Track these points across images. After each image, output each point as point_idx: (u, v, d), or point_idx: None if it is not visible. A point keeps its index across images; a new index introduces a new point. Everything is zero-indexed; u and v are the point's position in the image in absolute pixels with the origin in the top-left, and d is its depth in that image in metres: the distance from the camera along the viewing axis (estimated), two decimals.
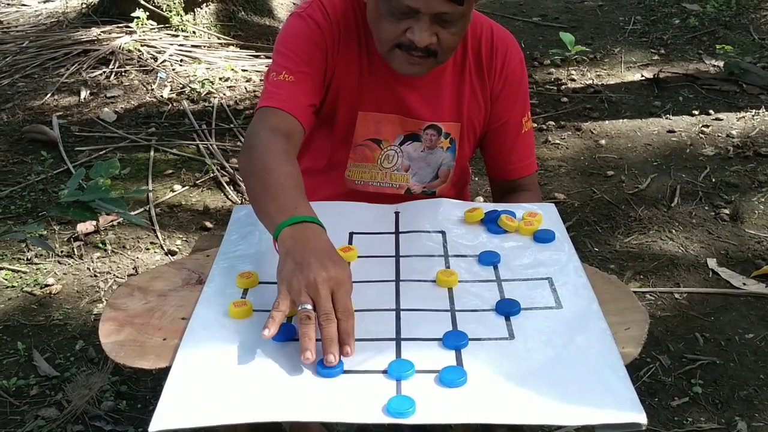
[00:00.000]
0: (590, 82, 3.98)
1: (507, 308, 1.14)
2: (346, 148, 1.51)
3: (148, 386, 2.06)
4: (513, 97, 1.52)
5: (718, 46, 4.19)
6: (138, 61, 4.03)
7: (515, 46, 1.52)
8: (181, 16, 4.36)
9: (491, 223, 1.36)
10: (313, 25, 1.40)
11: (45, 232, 2.70)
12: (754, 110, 3.62)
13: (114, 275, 2.50)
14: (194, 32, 4.36)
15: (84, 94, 3.75)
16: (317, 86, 1.41)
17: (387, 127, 1.48)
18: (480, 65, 1.49)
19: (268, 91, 1.38)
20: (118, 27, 4.35)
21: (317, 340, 1.03)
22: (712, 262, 2.55)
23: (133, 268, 2.52)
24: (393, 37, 1.32)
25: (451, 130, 1.51)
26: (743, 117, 3.57)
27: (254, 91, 3.82)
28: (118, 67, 3.97)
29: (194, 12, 4.40)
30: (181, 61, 4.07)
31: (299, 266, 1.05)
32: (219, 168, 3.12)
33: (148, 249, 2.64)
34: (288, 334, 1.08)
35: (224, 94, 3.76)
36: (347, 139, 1.50)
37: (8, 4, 5.11)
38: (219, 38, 4.35)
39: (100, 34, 4.28)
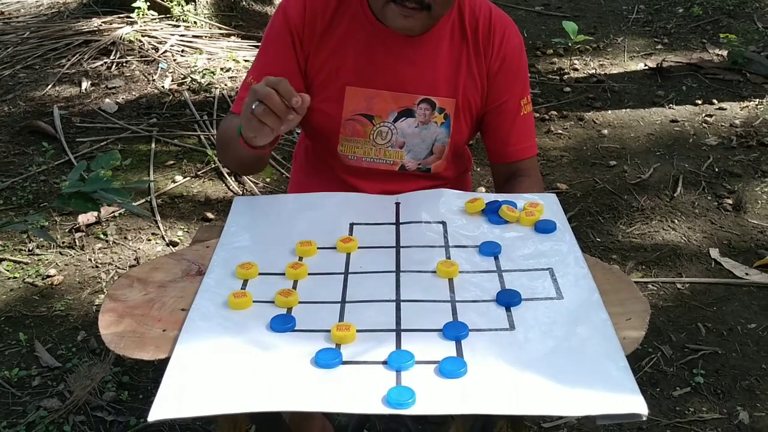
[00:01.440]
0: (593, 71, 3.96)
1: (508, 299, 1.13)
2: (334, 122, 1.51)
3: (149, 377, 2.06)
4: (511, 77, 1.52)
5: (721, 35, 4.17)
6: (139, 52, 4.02)
7: (514, 28, 1.53)
8: (182, 6, 4.35)
9: (492, 213, 1.36)
10: (283, 20, 1.47)
11: (46, 223, 2.70)
12: (757, 99, 3.61)
13: (115, 266, 2.50)
14: (195, 22, 4.34)
15: (85, 84, 3.75)
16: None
17: (380, 103, 1.49)
18: (477, 44, 1.49)
19: (238, 96, 1.54)
20: (119, 17, 4.34)
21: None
22: (714, 252, 2.55)
23: (135, 259, 2.53)
24: None
25: (446, 105, 1.50)
26: (747, 106, 3.56)
27: None
28: (119, 58, 3.96)
29: (195, 2, 4.38)
30: (183, 51, 4.06)
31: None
32: None
33: (149, 240, 2.64)
34: (287, 324, 1.08)
35: (225, 85, 3.75)
36: (334, 114, 1.50)
37: None
38: (220, 28, 4.34)
39: (101, 25, 4.27)
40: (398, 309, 1.12)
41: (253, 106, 1.20)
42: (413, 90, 1.48)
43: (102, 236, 2.64)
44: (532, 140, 1.58)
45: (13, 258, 2.54)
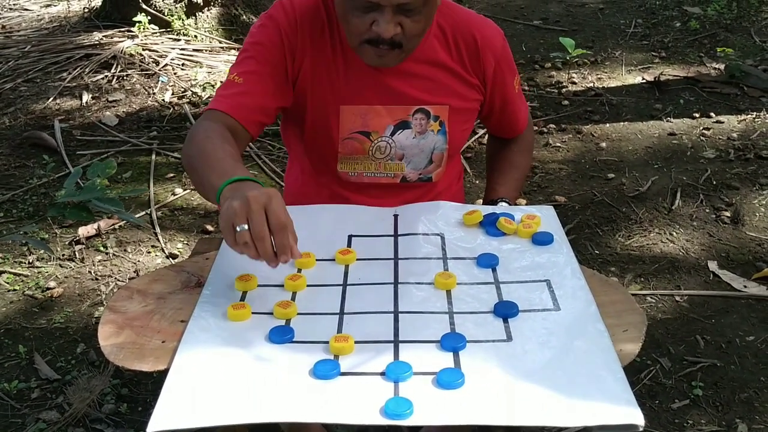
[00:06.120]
0: (591, 84, 3.98)
1: (505, 310, 1.14)
2: (331, 143, 1.51)
3: (148, 389, 2.06)
4: (505, 68, 1.56)
5: (719, 49, 4.19)
6: (140, 65, 4.04)
7: (491, 27, 1.54)
8: (182, 20, 4.38)
9: (490, 225, 1.37)
10: (273, 27, 1.44)
11: (46, 236, 2.70)
12: (754, 113, 3.62)
13: (115, 278, 2.51)
14: (196, 36, 4.37)
15: (86, 98, 3.76)
16: (273, 86, 1.44)
17: (374, 119, 1.49)
18: (461, 54, 1.50)
19: (218, 95, 1.43)
20: (120, 31, 4.36)
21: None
22: (712, 265, 2.55)
23: (135, 272, 2.53)
24: (361, 31, 1.35)
25: (440, 112, 1.51)
26: (744, 119, 3.57)
27: None
28: (119, 71, 3.98)
29: (196, 16, 4.41)
30: (183, 64, 4.08)
31: (233, 197, 1.10)
32: None
33: (149, 252, 2.64)
34: (286, 335, 1.09)
35: None
36: (331, 135, 1.50)
37: (10, 9, 5.13)
38: (221, 42, 4.36)
39: (102, 39, 4.29)
40: (396, 320, 1.13)
41: (238, 229, 1.07)
42: (406, 101, 1.49)
43: (102, 249, 2.65)
44: (525, 109, 1.69)
45: (13, 270, 2.54)
